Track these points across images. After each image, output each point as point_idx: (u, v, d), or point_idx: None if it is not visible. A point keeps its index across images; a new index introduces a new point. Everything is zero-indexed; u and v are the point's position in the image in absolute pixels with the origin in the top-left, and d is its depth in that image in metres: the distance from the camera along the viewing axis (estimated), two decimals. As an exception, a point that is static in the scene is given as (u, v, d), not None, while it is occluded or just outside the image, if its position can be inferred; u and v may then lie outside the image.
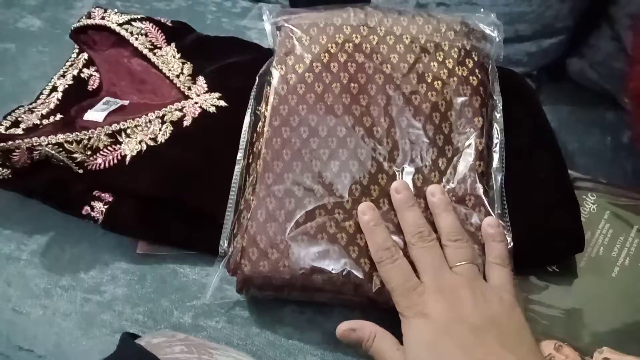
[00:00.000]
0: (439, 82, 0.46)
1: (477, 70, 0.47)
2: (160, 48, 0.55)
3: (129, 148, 0.47)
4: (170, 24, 0.57)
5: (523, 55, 0.60)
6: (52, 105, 0.51)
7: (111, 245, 0.47)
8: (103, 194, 0.45)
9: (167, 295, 0.45)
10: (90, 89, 0.53)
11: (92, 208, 0.45)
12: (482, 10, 0.51)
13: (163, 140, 0.48)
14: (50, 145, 0.45)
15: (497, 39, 0.49)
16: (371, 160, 0.43)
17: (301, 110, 0.45)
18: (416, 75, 0.46)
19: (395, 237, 0.40)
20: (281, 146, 0.43)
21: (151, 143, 0.47)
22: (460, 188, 0.43)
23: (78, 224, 0.46)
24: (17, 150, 0.45)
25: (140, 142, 0.47)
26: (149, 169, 0.46)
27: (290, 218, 0.41)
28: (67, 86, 0.53)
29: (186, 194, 0.45)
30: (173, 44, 0.55)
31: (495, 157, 0.45)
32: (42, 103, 0.51)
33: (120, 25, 0.55)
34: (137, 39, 0.54)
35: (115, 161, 0.46)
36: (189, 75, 0.53)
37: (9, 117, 0.49)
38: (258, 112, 0.47)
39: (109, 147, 0.47)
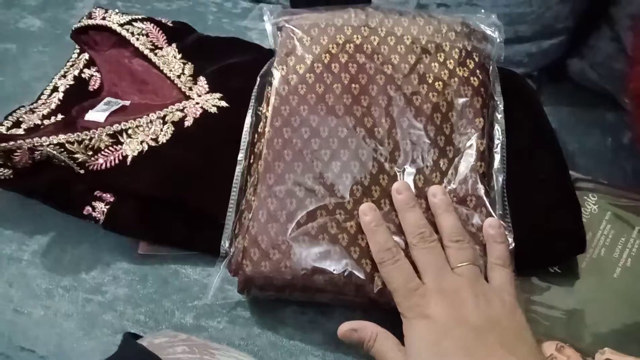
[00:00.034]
0: (440, 82, 0.46)
1: (478, 71, 0.47)
2: (161, 48, 0.55)
3: (130, 148, 0.47)
4: (171, 25, 0.57)
5: (523, 56, 0.60)
6: (53, 106, 0.51)
7: (112, 246, 0.47)
8: (104, 195, 0.45)
9: (169, 296, 0.45)
10: (91, 89, 0.53)
11: (94, 208, 0.45)
12: (482, 11, 0.51)
13: (164, 141, 0.48)
14: (52, 146, 0.45)
15: (498, 40, 0.49)
16: (372, 161, 0.43)
17: (302, 110, 0.45)
18: (417, 76, 0.46)
19: (396, 238, 0.40)
20: (282, 147, 0.43)
21: (152, 143, 0.47)
22: (462, 189, 0.43)
23: (79, 224, 0.46)
24: (18, 151, 0.45)
25: (141, 142, 0.47)
26: (150, 169, 0.46)
27: (291, 218, 0.41)
28: (68, 86, 0.53)
29: (187, 195, 0.45)
30: (174, 45, 0.55)
31: (497, 157, 0.45)
32: (43, 103, 0.52)
33: (122, 25, 0.55)
34: (138, 39, 0.54)
35: (117, 161, 0.46)
36: (190, 75, 0.53)
37: (10, 118, 0.49)
38: (259, 113, 0.47)
39: (110, 148, 0.47)
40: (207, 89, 0.51)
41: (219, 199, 0.44)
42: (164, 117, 0.49)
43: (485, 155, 0.44)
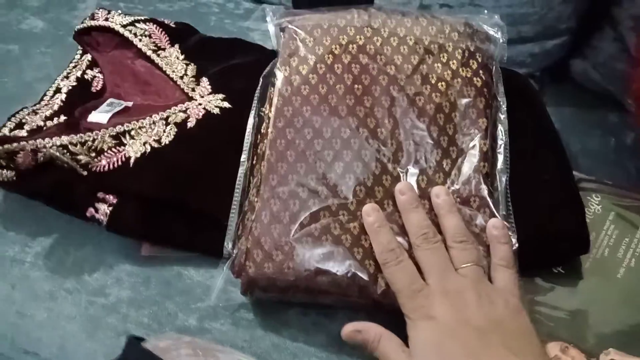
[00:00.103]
0: (443, 83, 0.46)
1: (481, 72, 0.47)
2: (164, 49, 0.55)
3: (133, 150, 0.47)
4: (173, 26, 0.57)
5: (526, 57, 0.60)
6: (55, 107, 0.51)
7: (115, 248, 0.47)
8: (107, 196, 0.45)
9: (172, 298, 0.44)
10: (94, 91, 0.53)
11: (97, 210, 0.45)
12: (485, 11, 0.51)
13: (167, 142, 0.47)
14: (55, 147, 0.45)
15: (501, 41, 0.49)
16: (375, 162, 0.43)
17: (305, 111, 0.45)
18: (420, 77, 0.46)
19: (399, 239, 0.40)
20: (285, 147, 0.43)
21: (155, 145, 0.47)
22: (465, 189, 0.43)
23: (82, 226, 0.46)
24: (21, 152, 0.45)
25: (144, 143, 0.47)
26: (153, 170, 0.46)
27: (294, 219, 0.41)
28: (70, 88, 0.53)
29: (190, 196, 0.45)
30: (177, 45, 0.55)
31: (500, 158, 0.45)
32: (45, 105, 0.51)
33: (124, 26, 0.55)
34: (140, 40, 0.54)
35: (120, 163, 0.46)
36: (192, 76, 0.53)
37: (13, 119, 0.49)
38: (262, 114, 0.47)
39: (113, 149, 0.47)
40: (210, 90, 0.51)
41: (222, 200, 0.44)
42: (166, 118, 0.49)
43: (488, 156, 0.44)
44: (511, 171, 0.45)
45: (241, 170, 0.45)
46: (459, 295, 0.36)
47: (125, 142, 0.47)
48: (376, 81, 0.46)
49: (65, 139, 0.46)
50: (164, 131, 0.48)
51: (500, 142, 0.46)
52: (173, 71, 0.53)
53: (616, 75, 0.57)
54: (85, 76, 0.54)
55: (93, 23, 0.55)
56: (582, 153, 0.55)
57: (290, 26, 0.48)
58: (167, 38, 0.56)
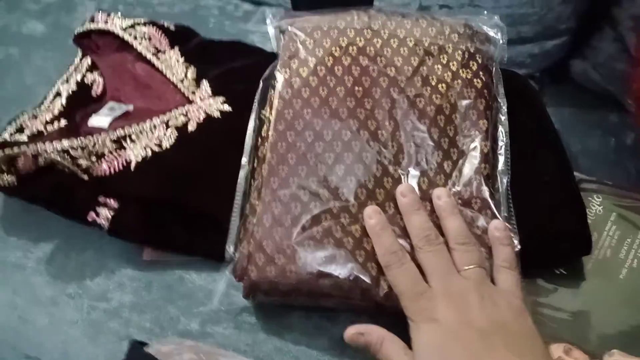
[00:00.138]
0: (443, 84, 0.46)
1: (481, 73, 0.47)
2: (163, 52, 0.55)
3: (134, 153, 0.47)
4: (173, 28, 0.57)
5: (525, 57, 0.60)
6: (56, 112, 0.51)
7: (117, 252, 0.47)
8: (108, 200, 0.45)
9: (174, 302, 0.44)
10: (94, 95, 0.53)
11: (98, 214, 0.45)
12: (485, 12, 0.51)
13: (168, 146, 0.47)
14: (56, 152, 0.45)
15: (501, 41, 0.49)
16: (376, 164, 0.43)
17: (306, 114, 0.44)
18: (420, 78, 0.46)
19: (401, 241, 0.40)
20: (286, 150, 0.43)
21: (156, 148, 0.47)
22: (466, 191, 0.43)
23: (83, 230, 0.46)
24: (22, 157, 0.45)
25: (145, 147, 0.47)
26: (154, 174, 0.46)
27: (296, 223, 0.41)
28: (70, 92, 0.52)
29: (191, 199, 0.45)
30: (176, 48, 0.55)
31: (501, 159, 0.45)
32: (46, 109, 0.51)
33: (124, 29, 0.55)
34: (140, 43, 0.54)
35: (121, 167, 0.46)
36: (192, 79, 0.53)
37: (13, 124, 0.49)
38: (262, 116, 0.47)
39: (114, 153, 0.47)
40: (210, 93, 0.51)
41: (223, 203, 0.44)
42: (167, 122, 0.49)
43: (489, 157, 0.44)
44: (511, 172, 0.45)
45: (242, 173, 0.45)
46: (462, 298, 0.36)
47: (126, 146, 0.47)
48: (376, 83, 0.46)
49: (66, 144, 0.45)
50: (165, 135, 0.48)
51: (500, 143, 0.46)
52: (173, 74, 0.53)
53: (616, 75, 0.57)
54: (85, 80, 0.54)
55: (93, 26, 0.55)
56: (582, 153, 0.55)
57: (290, 28, 0.48)
58: (167, 41, 0.55)
